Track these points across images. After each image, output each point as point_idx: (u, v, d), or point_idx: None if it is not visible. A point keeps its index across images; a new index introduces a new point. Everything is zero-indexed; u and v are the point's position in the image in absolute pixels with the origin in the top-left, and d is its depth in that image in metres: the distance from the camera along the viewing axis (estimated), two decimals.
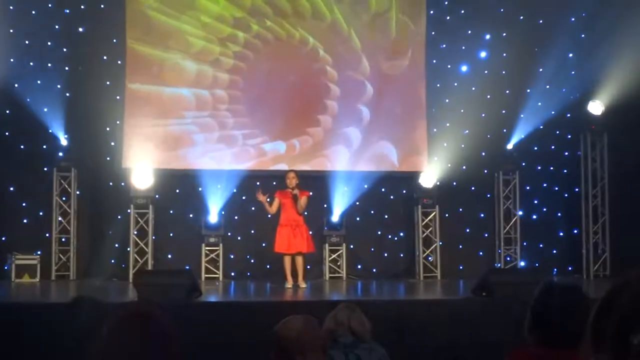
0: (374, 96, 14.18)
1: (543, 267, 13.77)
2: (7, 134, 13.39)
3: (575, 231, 14.41)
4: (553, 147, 14.57)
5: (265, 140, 13.93)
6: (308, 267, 12.47)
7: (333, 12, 14.10)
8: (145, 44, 13.76)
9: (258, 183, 13.67)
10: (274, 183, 13.62)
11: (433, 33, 14.32)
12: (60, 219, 13.44)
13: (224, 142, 13.84)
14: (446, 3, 14.40)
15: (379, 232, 14.33)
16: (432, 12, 14.33)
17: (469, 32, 14.40)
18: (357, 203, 14.08)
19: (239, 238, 13.96)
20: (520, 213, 14.29)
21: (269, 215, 13.24)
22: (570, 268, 14.37)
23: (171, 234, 13.85)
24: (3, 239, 13.17)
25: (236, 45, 13.93)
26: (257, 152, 13.93)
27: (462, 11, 14.38)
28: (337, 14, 14.11)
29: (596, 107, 13.87)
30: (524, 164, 14.40)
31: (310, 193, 12.49)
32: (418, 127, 14.28)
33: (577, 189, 14.39)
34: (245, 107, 13.92)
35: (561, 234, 14.58)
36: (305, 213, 12.38)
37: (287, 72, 14.03)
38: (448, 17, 14.41)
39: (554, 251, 14.50)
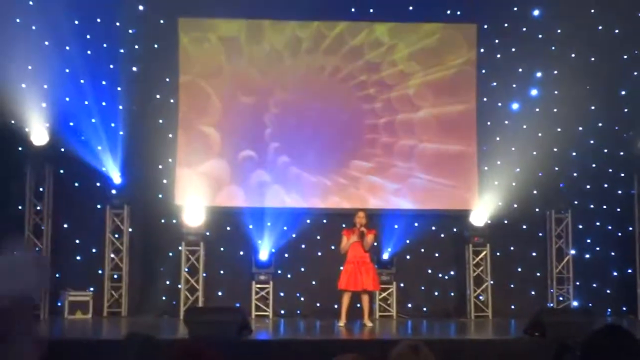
0: (425, 134, 14.18)
1: (596, 308, 13.56)
2: (61, 171, 13.60)
3: (630, 271, 14.17)
4: (606, 185, 14.40)
5: (315, 177, 13.97)
6: (357, 305, 12.44)
7: (384, 49, 14.19)
8: (198, 83, 13.96)
9: (308, 221, 13.78)
10: (324, 221, 13.72)
11: (484, 71, 14.31)
12: (112, 255, 13.61)
13: (274, 180, 13.92)
14: (497, 41, 14.35)
15: (430, 271, 14.25)
16: (482, 50, 14.31)
17: (520, 70, 14.34)
18: (408, 241, 14.04)
19: (289, 276, 13.98)
20: (573, 252, 14.11)
21: (319, 253, 13.30)
22: (624, 308, 14.13)
23: (222, 272, 13.92)
24: (57, 275, 13.31)
25: (288, 82, 14.07)
26: (306, 189, 13.97)
27: (513, 49, 14.32)
28: (388, 51, 14.20)
29: None
30: (576, 202, 14.26)
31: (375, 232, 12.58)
32: (469, 165, 14.23)
33: (630, 228, 14.17)
34: (296, 145, 14.00)
35: (615, 273, 14.34)
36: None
37: (337, 110, 14.09)
38: (499, 55, 14.36)
39: (608, 291, 14.27)
